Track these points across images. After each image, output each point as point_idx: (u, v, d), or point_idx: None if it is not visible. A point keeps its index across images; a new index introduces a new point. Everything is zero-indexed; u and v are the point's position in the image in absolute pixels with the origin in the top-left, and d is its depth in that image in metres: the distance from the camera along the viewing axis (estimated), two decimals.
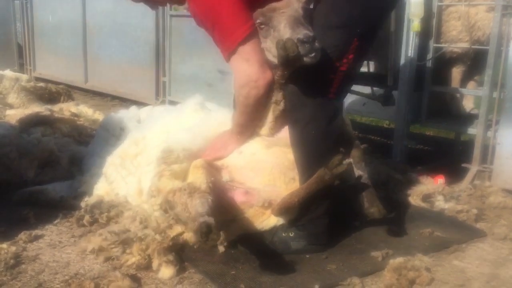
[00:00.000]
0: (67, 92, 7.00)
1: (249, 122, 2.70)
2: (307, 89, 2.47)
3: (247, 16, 2.47)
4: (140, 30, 6.61)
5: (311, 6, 2.54)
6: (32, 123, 4.38)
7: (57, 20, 8.32)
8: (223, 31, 2.47)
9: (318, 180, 2.44)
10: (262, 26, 2.49)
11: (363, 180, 2.72)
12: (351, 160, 2.67)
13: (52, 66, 8.58)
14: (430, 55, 4.06)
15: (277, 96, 2.60)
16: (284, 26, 2.39)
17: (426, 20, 3.93)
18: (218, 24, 2.46)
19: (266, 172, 2.67)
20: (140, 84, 6.78)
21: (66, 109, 5.41)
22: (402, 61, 4.00)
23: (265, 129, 2.75)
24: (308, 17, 2.47)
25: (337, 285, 2.33)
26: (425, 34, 3.99)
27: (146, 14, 6.21)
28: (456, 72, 4.26)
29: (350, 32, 2.46)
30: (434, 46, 4.05)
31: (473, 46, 4.00)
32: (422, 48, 4.01)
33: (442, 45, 4.08)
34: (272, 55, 2.47)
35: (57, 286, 2.27)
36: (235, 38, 2.45)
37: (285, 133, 2.69)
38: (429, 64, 4.06)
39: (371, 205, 2.64)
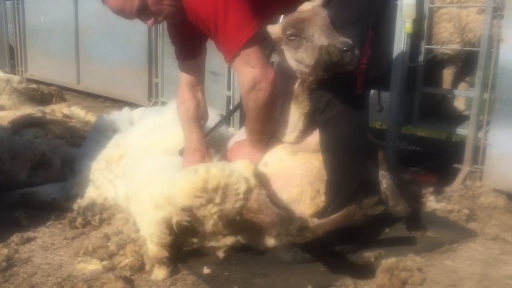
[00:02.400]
0: (59, 93, 6.98)
1: (265, 127, 2.66)
2: (335, 88, 2.50)
3: (252, 16, 2.43)
4: (133, 31, 6.59)
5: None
6: (24, 124, 4.35)
7: (49, 21, 8.28)
8: (228, 33, 2.42)
9: (346, 218, 2.28)
10: (292, 38, 2.50)
11: (386, 180, 2.74)
12: (385, 207, 2.44)
13: (44, 67, 8.54)
14: (421, 57, 4.08)
15: (306, 102, 2.58)
16: (319, 36, 2.40)
17: (418, 21, 3.95)
18: (222, 26, 2.41)
19: (296, 181, 2.61)
20: (132, 85, 6.76)
21: (58, 110, 5.37)
22: (394, 62, 4.02)
23: (290, 136, 2.70)
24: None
25: (330, 286, 2.35)
26: (416, 36, 4.01)
27: None
28: (448, 74, 4.29)
29: (364, 25, 2.53)
30: (426, 47, 4.08)
31: (464, 48, 4.03)
32: (413, 50, 4.04)
33: (434, 46, 4.11)
34: (304, 66, 2.50)
35: None
36: (240, 40, 2.40)
37: (310, 138, 2.68)
38: (420, 65, 4.09)
39: (396, 204, 2.69)
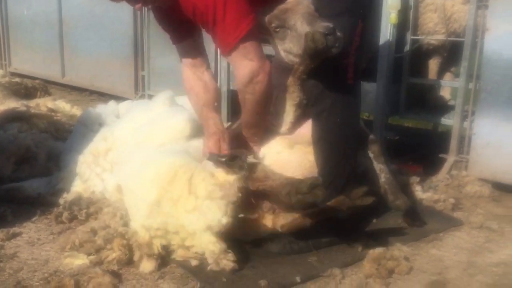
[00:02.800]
0: (44, 87, 6.88)
1: (261, 120, 2.67)
2: (326, 79, 2.51)
3: (249, 10, 2.43)
4: (118, 23, 6.51)
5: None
6: (8, 119, 4.29)
7: (32, 13, 8.14)
8: (226, 26, 2.41)
9: (335, 207, 2.30)
10: (278, 29, 2.51)
11: (385, 174, 2.75)
12: (374, 198, 2.38)
13: (28, 60, 8.41)
14: (407, 47, 4.10)
15: (297, 92, 2.58)
16: (302, 24, 2.43)
17: (403, 12, 3.96)
18: (220, 19, 2.39)
19: (289, 174, 2.59)
20: (118, 78, 6.70)
21: (43, 104, 5.31)
22: (380, 53, 4.03)
23: (283, 128, 2.71)
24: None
25: (318, 277, 2.36)
26: (402, 26, 4.02)
27: (124, 6, 6.10)
28: (433, 64, 4.31)
29: (354, 16, 2.55)
30: (411, 38, 4.09)
31: (449, 38, 4.05)
32: (399, 40, 4.05)
33: (419, 37, 4.13)
34: (293, 55, 2.52)
35: (36, 284, 2.25)
36: (238, 33, 2.40)
37: (305, 129, 2.69)
38: (406, 56, 4.10)
39: (395, 198, 2.70)
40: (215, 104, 2.84)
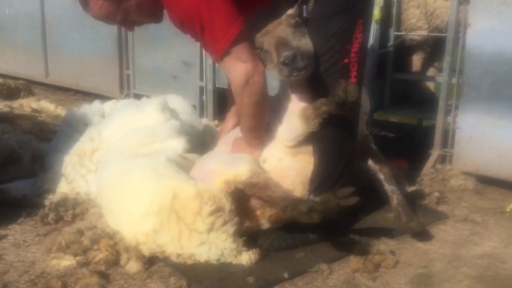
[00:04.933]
0: (27, 87, 6.81)
1: (261, 123, 2.65)
2: (327, 77, 2.52)
3: (236, 13, 2.41)
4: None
5: (304, 12, 2.54)
6: None
7: (14, 12, 8.04)
8: (215, 32, 2.39)
9: (322, 205, 2.26)
10: (259, 51, 2.51)
11: (397, 196, 2.76)
12: (358, 199, 2.34)
13: (10, 60, 8.30)
14: (391, 43, 4.13)
15: (315, 126, 2.53)
16: (273, 50, 2.43)
17: (386, 8, 3.99)
18: (208, 26, 2.37)
19: (289, 181, 2.61)
20: (103, 77, 6.65)
21: (26, 105, 5.24)
22: None
23: (290, 143, 2.66)
24: (301, 26, 2.49)
25: (305, 272, 2.38)
26: (385, 22, 4.05)
27: None
28: (417, 59, 4.37)
29: (352, 13, 2.53)
30: (395, 34, 4.13)
31: (431, 34, 4.10)
32: (383, 36, 4.08)
33: (402, 33, 4.16)
34: (278, 79, 2.55)
35: (23, 286, 2.23)
36: (228, 38, 2.38)
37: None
38: (390, 51, 4.14)
39: (410, 219, 2.70)
40: None
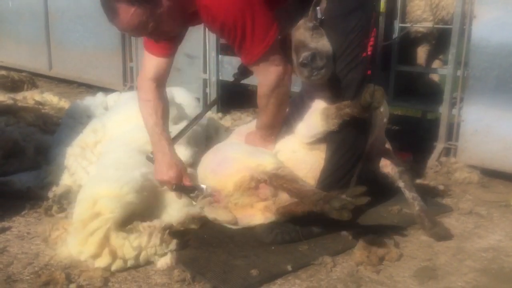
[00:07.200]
0: (31, 80, 6.82)
1: (279, 121, 2.74)
2: (348, 72, 2.56)
3: (273, 18, 2.45)
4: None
5: (319, 14, 2.55)
6: None
7: (17, 5, 8.04)
8: (255, 36, 2.39)
9: (354, 204, 2.23)
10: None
11: (418, 202, 2.77)
12: (369, 199, 2.32)
13: (14, 53, 8.32)
14: (395, 35, 4.10)
15: (336, 126, 2.55)
16: (292, 52, 2.52)
17: (391, 0, 3.96)
18: (250, 30, 2.37)
19: (302, 173, 2.63)
20: (106, 70, 6.64)
21: (30, 97, 5.25)
22: None
23: (308, 140, 2.69)
24: (319, 28, 2.52)
25: (309, 265, 2.37)
26: (390, 14, 4.02)
27: None
28: (422, 51, 4.33)
29: (367, 8, 2.59)
30: (400, 26, 4.09)
31: (437, 26, 4.06)
32: (387, 28, 4.05)
33: (407, 25, 4.13)
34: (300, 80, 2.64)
35: (27, 277, 2.24)
36: (266, 43, 2.41)
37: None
38: (395, 43, 4.11)
39: (433, 225, 2.70)
40: (167, 126, 2.77)
